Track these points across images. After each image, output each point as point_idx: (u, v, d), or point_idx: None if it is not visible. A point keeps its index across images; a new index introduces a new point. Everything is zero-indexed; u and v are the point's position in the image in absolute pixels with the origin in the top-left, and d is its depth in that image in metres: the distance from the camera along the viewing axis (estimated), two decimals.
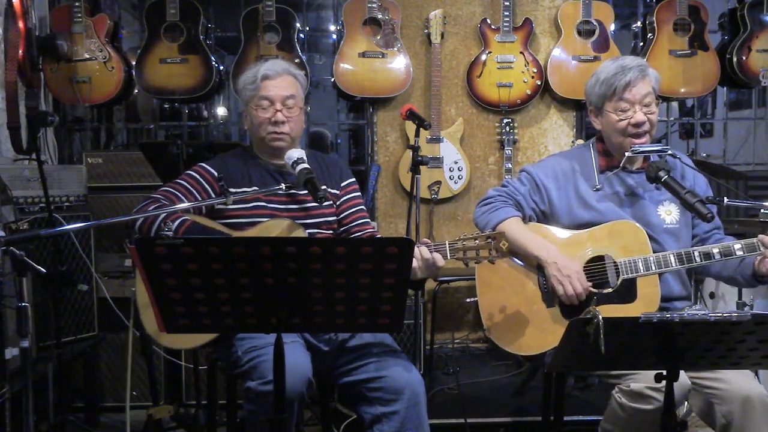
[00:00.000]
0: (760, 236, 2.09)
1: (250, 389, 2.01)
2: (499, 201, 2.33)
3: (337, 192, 2.42)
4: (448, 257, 2.11)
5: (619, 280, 2.19)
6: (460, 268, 2.34)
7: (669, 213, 2.29)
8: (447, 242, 2.10)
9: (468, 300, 4.13)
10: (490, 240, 2.07)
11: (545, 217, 2.34)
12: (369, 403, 2.12)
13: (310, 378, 2.01)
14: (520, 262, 2.28)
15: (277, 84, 2.31)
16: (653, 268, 2.16)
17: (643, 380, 1.95)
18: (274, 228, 2.25)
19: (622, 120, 2.23)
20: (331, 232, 2.39)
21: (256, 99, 2.31)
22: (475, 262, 2.10)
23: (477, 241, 2.08)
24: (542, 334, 2.21)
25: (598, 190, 2.29)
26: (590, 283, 2.18)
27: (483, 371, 3.72)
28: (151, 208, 2.20)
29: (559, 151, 2.53)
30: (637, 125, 2.21)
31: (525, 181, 2.36)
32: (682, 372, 1.94)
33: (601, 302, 2.18)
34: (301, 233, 2.24)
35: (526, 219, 2.32)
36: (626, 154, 2.23)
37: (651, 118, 2.23)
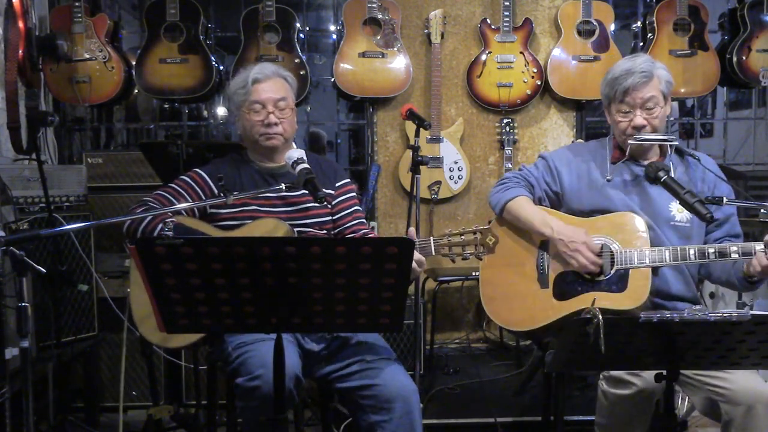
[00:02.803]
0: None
1: (238, 386, 2.01)
2: (512, 181, 2.41)
3: (332, 192, 2.43)
4: (433, 254, 2.13)
5: (613, 270, 2.21)
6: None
7: (681, 211, 2.29)
8: (432, 238, 2.12)
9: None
10: (476, 235, 2.08)
11: (557, 198, 2.40)
12: (362, 411, 2.12)
13: (298, 375, 2.00)
14: (522, 240, 2.36)
15: (267, 87, 2.33)
16: (647, 261, 2.18)
17: None
18: (258, 228, 2.26)
19: (622, 122, 2.28)
20: (324, 232, 2.39)
21: (248, 103, 2.33)
22: (462, 258, 2.12)
23: (463, 237, 2.10)
24: (532, 313, 2.28)
25: (609, 180, 2.33)
26: (599, 246, 2.22)
27: (483, 371, 3.72)
28: (138, 210, 2.24)
29: (575, 143, 2.60)
30: (637, 128, 2.26)
31: (539, 165, 2.44)
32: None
33: (593, 288, 2.23)
34: (286, 233, 2.24)
35: (536, 200, 2.39)
36: (629, 142, 2.27)
37: (652, 122, 2.26)
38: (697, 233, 2.31)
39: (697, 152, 2.41)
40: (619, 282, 2.20)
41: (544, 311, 2.25)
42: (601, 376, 2.10)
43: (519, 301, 2.31)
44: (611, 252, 2.23)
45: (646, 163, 2.34)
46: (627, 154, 2.30)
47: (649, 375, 1.89)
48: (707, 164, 2.36)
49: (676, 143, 2.30)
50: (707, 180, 2.35)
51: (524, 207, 2.33)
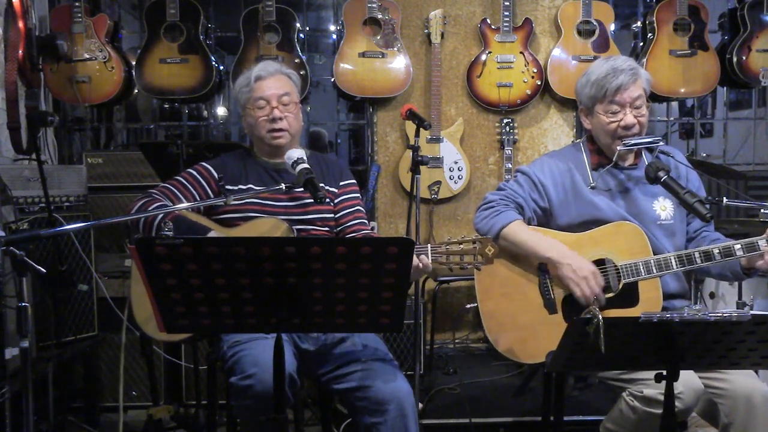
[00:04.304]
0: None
1: (232, 385, 2.01)
2: (501, 205, 2.30)
3: (335, 190, 2.44)
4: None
5: (621, 284, 2.17)
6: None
7: (664, 209, 2.29)
8: (429, 246, 2.05)
9: (468, 306, 4.14)
10: (475, 245, 2.02)
11: (545, 214, 2.33)
12: (358, 412, 2.11)
13: (292, 374, 1.99)
14: (518, 268, 2.26)
15: (270, 84, 2.35)
16: (654, 270, 2.15)
17: (655, 386, 1.94)
18: (256, 228, 2.26)
19: (612, 122, 2.24)
20: (326, 229, 2.39)
21: (252, 100, 2.35)
22: (460, 268, 2.05)
23: (461, 246, 2.02)
24: (547, 342, 2.17)
25: (593, 187, 2.29)
26: (603, 281, 2.17)
27: (483, 371, 3.72)
28: (140, 204, 2.26)
29: (552, 151, 2.53)
30: (627, 128, 2.23)
31: (523, 181, 2.34)
32: (692, 374, 1.94)
33: (604, 307, 2.16)
34: (284, 232, 2.24)
35: (526, 221, 2.31)
36: (618, 148, 2.23)
37: (641, 120, 2.24)
38: (680, 229, 2.31)
39: (667, 147, 2.37)
40: (630, 296, 2.15)
41: (560, 338, 2.15)
42: (627, 392, 2.02)
43: (530, 332, 2.21)
44: (616, 266, 2.19)
45: (625, 164, 2.32)
46: (615, 159, 2.26)
47: (687, 396, 1.89)
48: (677, 156, 2.35)
49: (662, 143, 2.27)
50: (680, 173, 2.34)
51: (522, 232, 2.22)
